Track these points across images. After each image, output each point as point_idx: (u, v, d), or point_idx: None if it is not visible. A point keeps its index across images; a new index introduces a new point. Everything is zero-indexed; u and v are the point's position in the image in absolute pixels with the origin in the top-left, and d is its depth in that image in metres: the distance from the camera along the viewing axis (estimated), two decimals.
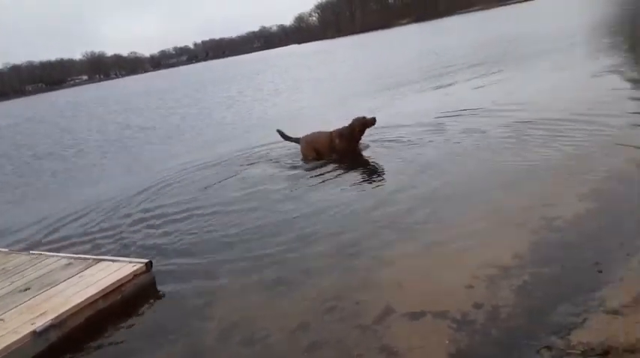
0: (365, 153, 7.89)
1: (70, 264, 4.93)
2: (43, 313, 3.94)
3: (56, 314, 3.88)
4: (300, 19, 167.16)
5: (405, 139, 8.15)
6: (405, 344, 3.07)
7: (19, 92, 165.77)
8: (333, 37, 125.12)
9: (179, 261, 5.03)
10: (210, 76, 54.38)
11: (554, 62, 13.94)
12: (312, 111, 14.42)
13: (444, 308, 3.32)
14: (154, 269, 4.65)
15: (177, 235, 5.76)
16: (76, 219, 7.16)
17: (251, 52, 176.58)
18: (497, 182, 5.61)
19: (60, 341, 3.83)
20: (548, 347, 2.78)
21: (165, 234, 5.87)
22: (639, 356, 2.55)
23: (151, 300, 4.40)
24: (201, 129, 14.86)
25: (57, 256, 5.23)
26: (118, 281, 4.35)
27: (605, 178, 5.00)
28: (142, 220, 6.55)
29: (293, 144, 8.52)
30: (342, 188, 6.42)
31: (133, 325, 4.07)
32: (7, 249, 5.92)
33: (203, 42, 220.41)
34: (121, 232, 6.21)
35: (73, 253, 5.40)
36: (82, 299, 4.08)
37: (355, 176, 6.89)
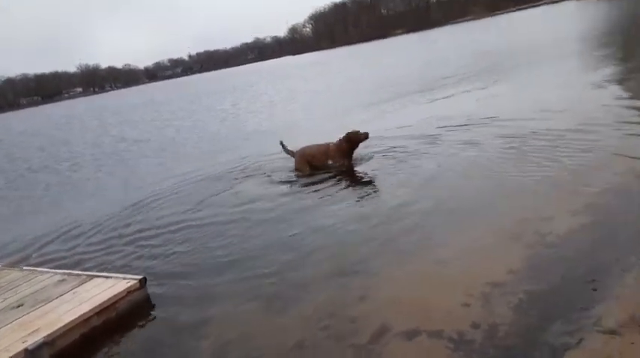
0: (360, 167, 7.90)
1: (63, 280, 4.89)
2: (36, 330, 3.91)
3: (49, 332, 3.85)
4: (293, 31, 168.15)
5: (401, 152, 8.17)
6: None
7: (14, 105, 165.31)
8: (327, 47, 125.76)
9: (173, 277, 5.00)
10: (204, 88, 54.50)
11: (548, 73, 14.06)
12: (307, 123, 14.49)
13: (440, 327, 3.30)
14: (148, 285, 4.62)
15: (172, 251, 5.73)
16: (69, 234, 7.12)
17: (245, 63, 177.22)
18: (492, 196, 5.62)
19: None
20: None
21: (160, 249, 5.83)
22: None
23: (145, 317, 4.36)
24: (196, 141, 14.86)
25: (50, 272, 5.19)
26: (112, 298, 4.33)
27: (600, 191, 5.01)
28: (135, 235, 6.52)
29: (290, 156, 8.52)
30: (337, 203, 6.39)
31: (127, 343, 4.04)
32: (0, 265, 5.86)
33: (197, 54, 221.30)
34: (115, 247, 6.18)
35: (67, 269, 5.37)
36: (76, 317, 4.06)
37: (350, 191, 6.88)
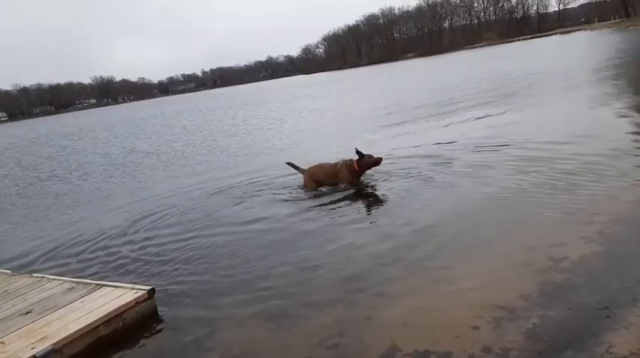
0: (370, 186, 7.90)
1: (72, 288, 4.90)
2: (44, 337, 3.91)
3: (57, 339, 3.85)
4: (306, 51, 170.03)
5: (413, 173, 8.18)
6: None
7: (27, 114, 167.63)
8: (339, 68, 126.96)
9: (181, 290, 5.01)
10: (216, 103, 55.00)
11: (564, 100, 14.09)
12: (315, 142, 14.52)
13: (449, 349, 3.28)
14: (155, 296, 4.63)
15: (180, 263, 5.74)
16: (78, 242, 7.16)
17: (258, 81, 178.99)
18: (503, 219, 5.60)
19: None
20: None
21: (168, 261, 5.85)
22: None
23: (152, 328, 4.36)
24: (205, 156, 14.95)
25: (59, 280, 5.21)
26: (120, 307, 4.33)
27: (613, 220, 4.98)
28: (144, 246, 6.55)
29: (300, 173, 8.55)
30: (346, 221, 6.39)
31: (133, 354, 4.03)
32: (9, 271, 5.90)
33: (211, 70, 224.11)
34: (124, 258, 6.20)
35: (75, 277, 5.39)
36: (83, 325, 4.06)
37: (359, 210, 6.88)
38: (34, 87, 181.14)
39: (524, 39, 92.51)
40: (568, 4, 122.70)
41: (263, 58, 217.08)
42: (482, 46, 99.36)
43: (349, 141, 12.35)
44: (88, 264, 6.15)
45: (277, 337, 3.91)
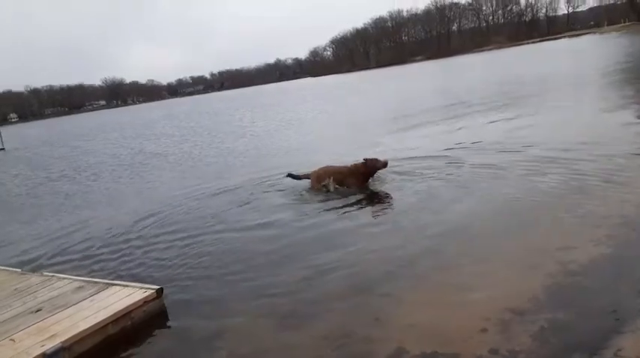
0: (380, 188, 7.89)
1: (81, 287, 4.95)
2: (53, 335, 3.95)
3: (66, 337, 3.88)
4: (315, 53, 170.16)
5: (420, 173, 8.19)
6: None
7: (39, 115, 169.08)
8: (347, 71, 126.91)
9: (189, 289, 5.03)
10: (224, 105, 55.22)
11: (575, 103, 14.03)
12: (322, 143, 14.56)
13: (457, 351, 3.28)
14: (163, 295, 4.66)
15: (188, 262, 5.77)
16: (87, 242, 7.22)
17: (266, 83, 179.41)
18: (512, 222, 5.59)
19: None
20: None
21: (176, 260, 5.88)
22: None
23: (160, 328, 4.39)
24: (213, 157, 15.01)
25: (69, 279, 5.26)
26: (129, 307, 4.36)
27: (622, 223, 4.97)
28: (152, 246, 6.58)
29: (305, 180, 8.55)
30: (355, 224, 6.40)
31: (141, 352, 4.06)
32: (20, 270, 5.97)
33: (219, 72, 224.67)
34: (133, 257, 6.24)
35: (84, 276, 5.44)
36: (92, 324, 4.10)
37: (368, 212, 6.88)
38: (45, 88, 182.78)
39: (532, 42, 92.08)
40: (577, 7, 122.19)
41: (271, 61, 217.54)
42: (490, 49, 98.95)
43: (357, 144, 12.40)
44: (97, 264, 6.20)
45: (285, 337, 3.92)
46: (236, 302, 4.60)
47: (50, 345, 3.77)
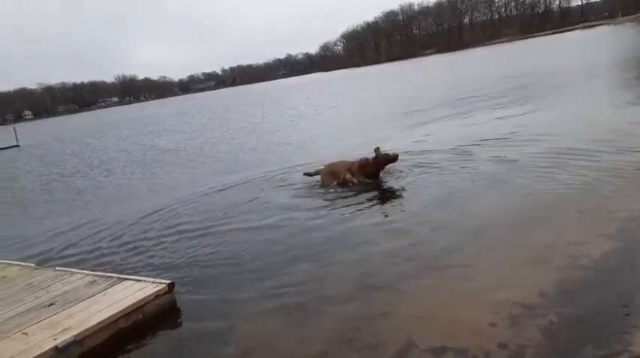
0: (391, 182, 7.86)
1: (94, 281, 5.01)
2: (66, 329, 4.00)
3: (78, 331, 3.94)
4: (325, 48, 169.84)
5: (433, 167, 8.17)
6: None
7: (52, 112, 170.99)
8: (358, 65, 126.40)
9: (200, 283, 5.08)
10: (235, 101, 55.39)
11: (587, 95, 13.87)
12: (333, 138, 14.53)
13: (466, 345, 3.27)
14: (175, 290, 4.70)
15: (199, 256, 5.82)
16: (100, 237, 7.32)
17: (277, 78, 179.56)
18: (523, 216, 5.54)
19: None
20: None
21: (187, 255, 5.93)
22: None
23: (171, 322, 4.43)
24: (224, 152, 15.10)
25: (82, 273, 5.32)
26: (140, 301, 4.41)
27: (633, 217, 4.90)
28: (163, 240, 6.65)
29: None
30: (365, 218, 6.38)
31: (153, 346, 4.10)
32: (33, 264, 6.05)
33: (230, 68, 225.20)
34: (144, 252, 6.31)
35: (97, 270, 5.50)
36: (105, 318, 4.15)
37: (378, 207, 6.85)
38: (58, 86, 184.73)
39: (544, 34, 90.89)
40: None
41: (282, 56, 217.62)
42: (502, 42, 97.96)
43: (367, 138, 12.34)
44: (110, 258, 6.27)
45: (294, 331, 3.94)
46: (246, 297, 4.62)
47: (62, 339, 3.82)
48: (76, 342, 3.85)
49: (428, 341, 3.41)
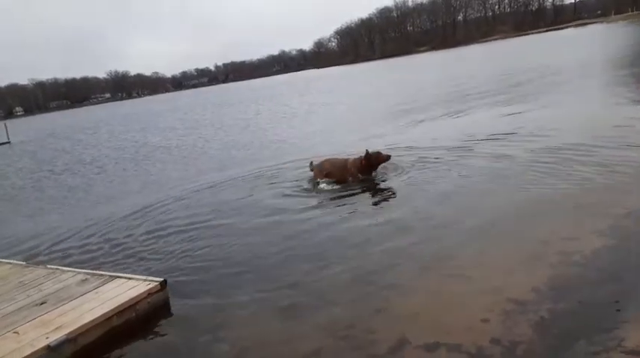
0: (385, 178, 7.84)
1: (86, 279, 4.97)
2: (58, 327, 3.97)
3: (71, 329, 3.91)
4: (319, 44, 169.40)
5: (428, 163, 8.21)
6: None
7: (43, 108, 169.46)
8: (351, 62, 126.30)
9: (193, 281, 5.06)
10: (228, 97, 55.17)
11: (580, 92, 13.94)
12: (326, 135, 14.50)
13: (459, 342, 3.28)
14: (167, 287, 4.68)
15: (192, 254, 5.80)
16: (91, 234, 7.27)
17: (270, 75, 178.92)
18: (516, 213, 5.57)
19: (74, 357, 3.84)
20: None
21: (180, 252, 5.91)
22: None
23: (165, 319, 4.41)
24: (217, 149, 15.05)
25: (73, 271, 5.28)
26: (133, 299, 4.38)
27: (625, 213, 4.94)
28: (156, 238, 6.61)
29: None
30: (358, 215, 6.39)
31: (145, 344, 4.08)
32: (24, 263, 6.00)
33: (224, 64, 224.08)
34: (136, 249, 6.27)
35: (89, 268, 5.46)
36: (97, 316, 4.12)
37: (372, 204, 6.87)
38: (50, 81, 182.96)
39: (538, 32, 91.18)
40: None
41: (276, 52, 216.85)
42: (495, 39, 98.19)
43: (361, 135, 12.35)
44: (102, 256, 6.23)
45: (288, 328, 3.94)
46: (239, 294, 4.62)
47: (55, 337, 3.79)
48: (68, 340, 3.82)
49: (422, 337, 3.41)
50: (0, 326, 4.16)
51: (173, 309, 4.54)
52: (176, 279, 5.04)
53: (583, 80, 16.29)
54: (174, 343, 4.01)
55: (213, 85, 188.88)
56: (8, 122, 47.10)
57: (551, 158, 7.27)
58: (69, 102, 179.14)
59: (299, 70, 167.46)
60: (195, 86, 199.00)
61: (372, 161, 7.85)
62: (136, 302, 4.40)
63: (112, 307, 4.24)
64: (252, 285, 4.75)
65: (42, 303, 4.56)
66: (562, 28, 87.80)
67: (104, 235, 7.11)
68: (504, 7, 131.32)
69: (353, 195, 7.25)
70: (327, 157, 8.46)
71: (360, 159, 7.91)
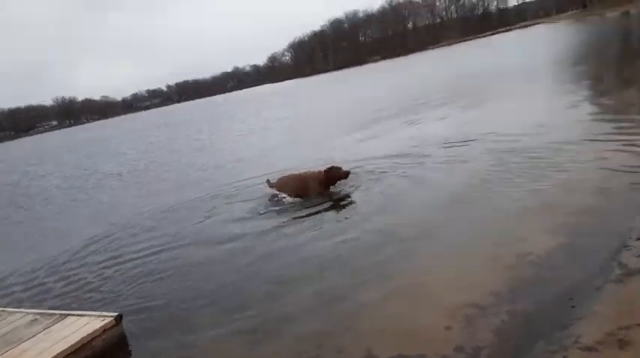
0: (343, 191, 7.84)
1: (35, 320, 4.72)
2: None
3: None
4: (273, 59, 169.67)
5: (382, 173, 8.30)
6: None
7: None
8: (306, 75, 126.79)
9: (151, 313, 4.88)
10: (182, 118, 54.31)
11: (525, 94, 14.37)
12: (283, 151, 14.42)
13: (423, 352, 3.29)
14: (124, 322, 4.49)
15: (147, 285, 5.59)
16: (39, 271, 6.90)
17: (225, 92, 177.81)
18: (471, 217, 5.67)
19: None
20: None
21: (134, 283, 5.69)
22: None
23: (122, 355, 4.23)
24: (171, 172, 14.69)
25: (21, 312, 5.01)
26: (87, 336, 4.20)
27: (574, 211, 5.10)
28: (109, 270, 6.36)
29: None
30: (316, 231, 6.33)
31: None
32: None
33: (176, 84, 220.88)
34: (88, 283, 6.01)
35: (39, 308, 5.19)
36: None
37: (331, 219, 6.79)
38: None
39: (484, 36, 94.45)
40: None
41: (229, 69, 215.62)
42: (445, 45, 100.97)
43: (316, 149, 12.37)
44: (51, 294, 5.92)
45: (255, 353, 3.84)
46: (200, 321, 4.49)
47: None
48: None
49: (388, 350, 3.41)
50: None
51: (131, 344, 4.36)
52: (132, 312, 4.85)
53: (528, 83, 16.87)
54: None
55: (166, 105, 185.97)
56: None
57: (501, 159, 7.49)
58: (13, 133, 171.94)
59: (254, 86, 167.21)
60: (147, 108, 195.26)
61: (333, 176, 7.88)
62: (91, 340, 4.22)
63: (65, 347, 4.04)
64: (213, 311, 4.63)
65: None
66: (508, 31, 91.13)
67: (53, 272, 6.77)
68: (451, 14, 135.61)
69: (313, 213, 7.12)
70: (286, 173, 8.40)
71: (319, 173, 7.91)
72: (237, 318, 4.41)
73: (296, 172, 8.34)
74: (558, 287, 3.74)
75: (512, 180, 6.48)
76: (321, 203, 7.46)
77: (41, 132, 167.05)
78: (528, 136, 8.49)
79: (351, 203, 7.31)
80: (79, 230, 9.10)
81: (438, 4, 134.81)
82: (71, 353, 4.05)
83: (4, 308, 5.25)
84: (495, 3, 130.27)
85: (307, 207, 7.36)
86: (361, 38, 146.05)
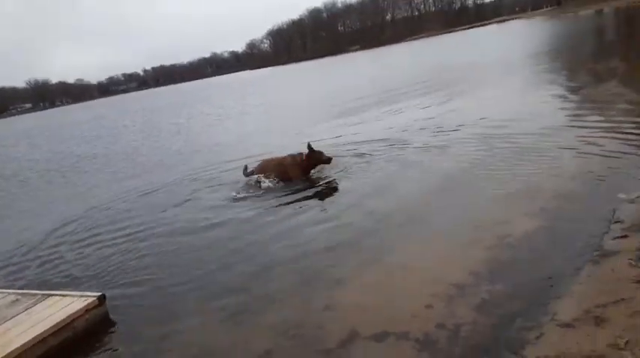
0: (325, 175, 7.88)
1: (16, 300, 4.65)
2: None
3: (3, 354, 3.65)
4: (252, 46, 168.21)
5: (363, 157, 8.38)
6: None
7: None
8: (285, 63, 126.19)
9: (133, 293, 4.86)
10: (158, 102, 53.49)
11: (502, 85, 14.62)
12: (261, 136, 14.38)
13: (406, 329, 3.37)
14: (107, 301, 4.47)
15: (129, 266, 5.56)
16: (19, 252, 6.77)
17: (203, 77, 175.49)
18: (452, 200, 5.82)
19: None
20: None
21: (116, 264, 5.65)
22: None
23: (105, 335, 4.21)
24: (147, 156, 14.51)
25: (2, 292, 4.93)
26: (69, 316, 4.16)
27: (553, 196, 5.26)
28: (90, 251, 6.29)
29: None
30: (299, 214, 6.37)
31: None
32: None
33: (153, 68, 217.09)
34: (69, 265, 5.93)
35: (20, 288, 5.12)
36: (30, 338, 3.87)
37: (311, 202, 6.84)
38: None
39: (462, 29, 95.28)
40: None
41: (207, 55, 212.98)
42: (423, 37, 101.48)
43: (295, 135, 12.38)
44: (32, 274, 5.84)
45: (236, 333, 3.88)
46: (183, 301, 4.50)
47: None
48: None
49: (370, 329, 3.47)
50: None
51: (114, 324, 4.34)
52: (115, 293, 4.82)
53: (505, 74, 17.15)
54: None
55: (143, 89, 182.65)
56: None
57: (480, 145, 7.67)
58: None
59: (233, 72, 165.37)
60: (124, 91, 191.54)
61: (314, 160, 7.87)
62: (73, 320, 4.17)
63: (47, 327, 4.00)
64: (195, 292, 4.64)
65: None
66: (485, 25, 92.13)
67: (33, 252, 6.65)
68: (429, 7, 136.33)
69: (298, 199, 7.09)
70: (265, 157, 8.40)
71: (300, 155, 7.91)
72: (219, 297, 4.44)
73: (276, 156, 8.33)
74: (538, 268, 3.88)
75: (496, 164, 6.67)
76: (305, 188, 7.47)
77: (14, 115, 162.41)
78: (513, 123, 8.73)
79: (329, 188, 7.34)
80: (57, 212, 8.88)
81: None
82: (53, 334, 4.01)
83: None
84: None
85: (292, 193, 7.34)
86: (340, 28, 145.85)
